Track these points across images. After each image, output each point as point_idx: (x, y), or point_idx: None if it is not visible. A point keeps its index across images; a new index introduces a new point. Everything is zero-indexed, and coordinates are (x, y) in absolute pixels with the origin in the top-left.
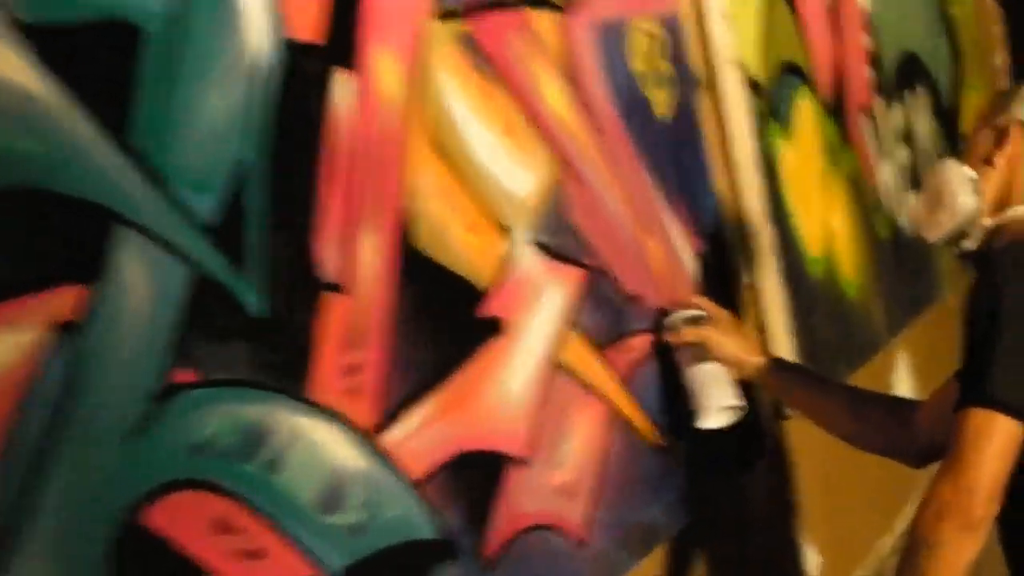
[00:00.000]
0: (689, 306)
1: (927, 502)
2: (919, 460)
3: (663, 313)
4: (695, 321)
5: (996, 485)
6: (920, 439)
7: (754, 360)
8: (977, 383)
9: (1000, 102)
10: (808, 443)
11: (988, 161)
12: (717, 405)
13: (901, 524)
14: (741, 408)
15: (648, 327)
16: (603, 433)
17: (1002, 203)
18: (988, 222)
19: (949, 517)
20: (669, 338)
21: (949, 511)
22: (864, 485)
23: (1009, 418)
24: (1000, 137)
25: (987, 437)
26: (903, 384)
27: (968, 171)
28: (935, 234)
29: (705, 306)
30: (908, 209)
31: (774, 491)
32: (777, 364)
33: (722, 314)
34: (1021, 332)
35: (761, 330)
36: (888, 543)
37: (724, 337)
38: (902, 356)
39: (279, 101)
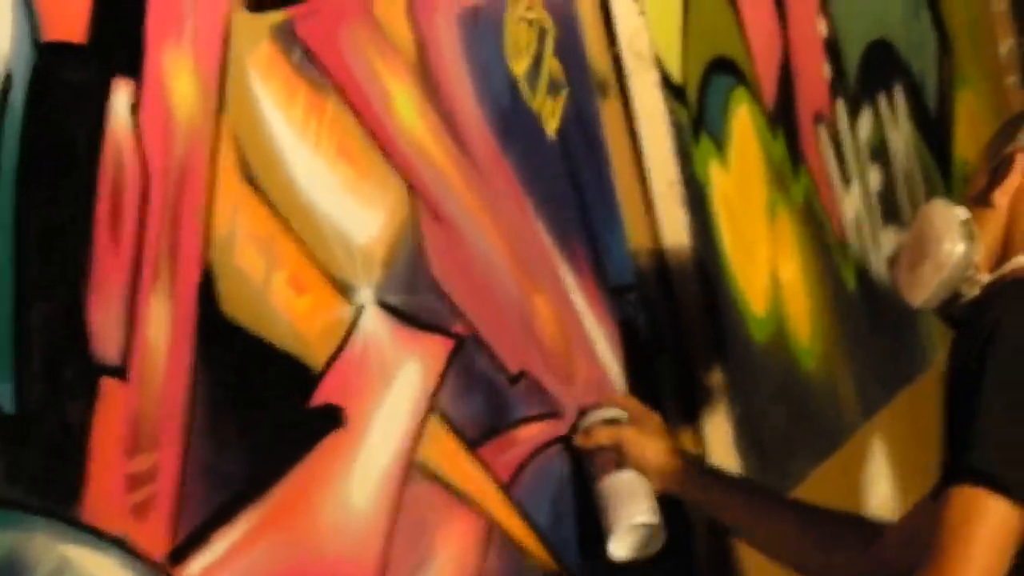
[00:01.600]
0: (609, 405)
1: None
2: None
3: (580, 413)
4: (612, 423)
5: None
6: (888, 568)
7: (678, 467)
8: (960, 457)
9: (1006, 131)
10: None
11: (985, 200)
12: (627, 522)
13: None
14: (655, 526)
15: (537, 413)
16: (479, 557)
17: (1005, 251)
18: (985, 277)
19: None
20: (579, 441)
21: None
22: None
23: (1002, 498)
24: (1001, 169)
25: (976, 523)
26: (881, 480)
27: (959, 212)
28: (919, 295)
29: (628, 405)
30: (887, 264)
31: None
32: (706, 472)
33: (647, 415)
34: (1016, 387)
35: (692, 418)
36: None
37: (645, 439)
38: (878, 444)
39: (31, 122)
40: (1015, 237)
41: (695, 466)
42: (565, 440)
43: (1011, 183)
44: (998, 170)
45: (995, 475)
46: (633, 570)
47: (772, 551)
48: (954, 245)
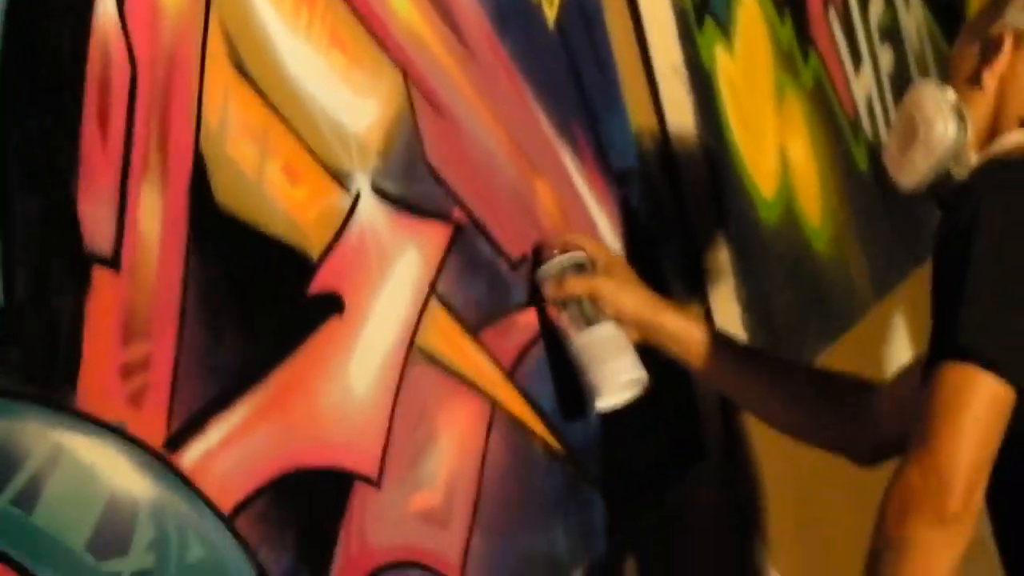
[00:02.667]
0: (566, 248)
1: (891, 491)
2: (874, 457)
3: (535, 260)
4: (578, 269)
5: (978, 465)
6: (880, 430)
7: (661, 318)
8: (947, 334)
9: (992, 9)
10: (772, 436)
11: (975, 81)
12: (616, 379)
13: None
14: (644, 381)
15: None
16: (481, 439)
17: (993, 133)
18: (974, 159)
19: (917, 509)
20: (551, 292)
21: (917, 502)
22: (847, 489)
23: (991, 375)
24: (990, 50)
25: (963, 401)
26: (902, 355)
27: (949, 94)
28: (910, 178)
29: (588, 247)
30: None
31: (723, 504)
32: (691, 323)
33: (616, 261)
34: (1004, 263)
35: (700, 300)
36: None
37: (621, 289)
38: (899, 320)
39: (17, 17)
40: (1003, 118)
41: (673, 318)
42: (532, 292)
43: (1000, 64)
44: (986, 51)
45: (984, 352)
46: (638, 449)
47: (758, 410)
48: (945, 128)
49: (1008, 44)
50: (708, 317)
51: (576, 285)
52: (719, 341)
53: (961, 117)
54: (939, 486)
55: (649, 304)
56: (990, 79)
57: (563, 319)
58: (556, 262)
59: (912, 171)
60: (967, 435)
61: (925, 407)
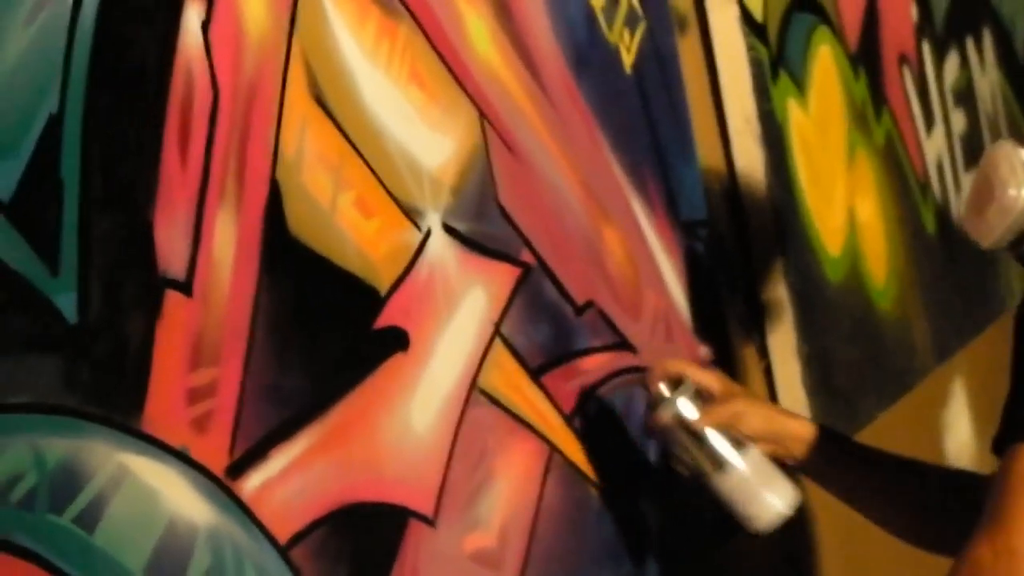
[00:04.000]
0: (669, 377)
1: (961, 566)
2: None
3: (649, 403)
4: (697, 398)
5: None
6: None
7: (789, 427)
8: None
9: None
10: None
11: None
12: (775, 507)
13: None
14: (799, 499)
15: (602, 345)
16: (538, 483)
17: None
18: None
19: None
20: (703, 422)
21: None
22: (897, 543)
23: None
24: None
25: None
26: (960, 423)
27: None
28: (987, 238)
29: (691, 372)
30: (958, 206)
31: (773, 555)
32: (813, 426)
33: (721, 377)
34: None
35: (761, 355)
36: None
37: (751, 408)
38: (958, 385)
39: (104, 40)
40: None
41: (798, 424)
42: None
43: None
44: None
45: None
46: (694, 504)
47: (882, 518)
48: (1019, 190)
49: None
50: (768, 372)
51: (713, 417)
52: (841, 440)
53: None
54: (1009, 566)
55: (776, 416)
56: None
57: (699, 455)
58: (678, 400)
59: (988, 232)
60: None
61: (1000, 485)
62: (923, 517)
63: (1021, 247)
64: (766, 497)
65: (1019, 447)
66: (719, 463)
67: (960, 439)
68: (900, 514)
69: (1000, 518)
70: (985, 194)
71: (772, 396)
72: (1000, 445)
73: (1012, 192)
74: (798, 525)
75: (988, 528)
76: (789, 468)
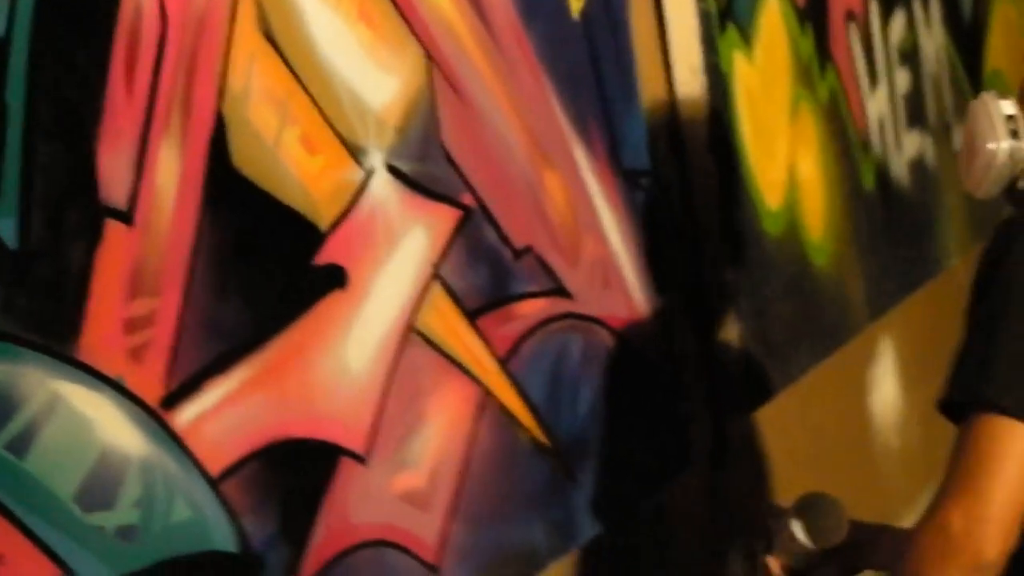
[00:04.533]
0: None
1: (929, 532)
2: None
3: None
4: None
5: (1015, 514)
6: None
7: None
8: (983, 384)
9: None
10: (766, 448)
11: None
12: None
13: None
14: None
15: (540, 290)
16: (469, 425)
17: None
18: None
19: (957, 555)
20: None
21: (958, 547)
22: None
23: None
24: None
25: (1003, 451)
26: (886, 380)
27: (1004, 107)
28: (976, 188)
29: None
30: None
31: (705, 514)
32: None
33: None
34: None
35: (698, 304)
36: None
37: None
38: (886, 343)
39: None
40: None
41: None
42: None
43: None
44: None
45: (1021, 407)
46: (624, 453)
47: None
48: (997, 143)
49: None
50: (709, 327)
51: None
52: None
53: (1016, 132)
54: (981, 534)
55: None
56: None
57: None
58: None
59: (976, 183)
60: (1008, 484)
61: (967, 453)
62: None
63: (1013, 195)
64: None
65: (983, 417)
66: None
67: (885, 398)
68: None
69: (970, 487)
70: (971, 147)
71: (709, 351)
72: (950, 405)
73: (991, 145)
74: (737, 486)
75: (957, 496)
76: None
